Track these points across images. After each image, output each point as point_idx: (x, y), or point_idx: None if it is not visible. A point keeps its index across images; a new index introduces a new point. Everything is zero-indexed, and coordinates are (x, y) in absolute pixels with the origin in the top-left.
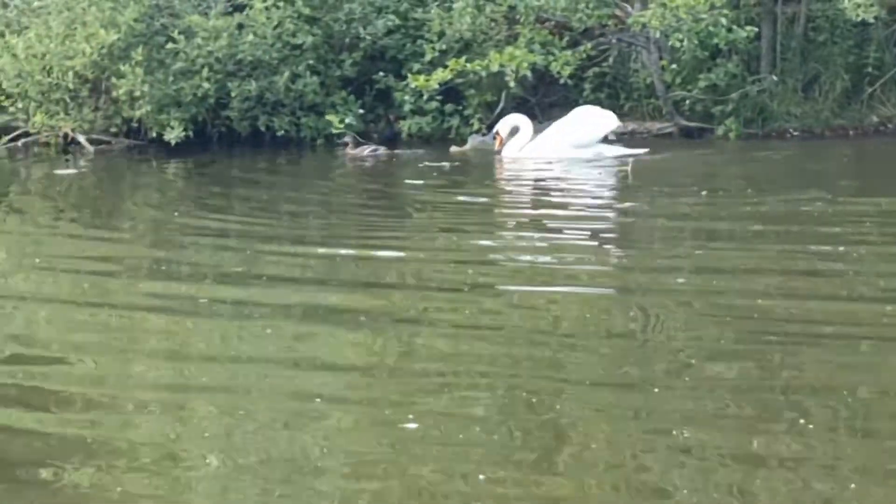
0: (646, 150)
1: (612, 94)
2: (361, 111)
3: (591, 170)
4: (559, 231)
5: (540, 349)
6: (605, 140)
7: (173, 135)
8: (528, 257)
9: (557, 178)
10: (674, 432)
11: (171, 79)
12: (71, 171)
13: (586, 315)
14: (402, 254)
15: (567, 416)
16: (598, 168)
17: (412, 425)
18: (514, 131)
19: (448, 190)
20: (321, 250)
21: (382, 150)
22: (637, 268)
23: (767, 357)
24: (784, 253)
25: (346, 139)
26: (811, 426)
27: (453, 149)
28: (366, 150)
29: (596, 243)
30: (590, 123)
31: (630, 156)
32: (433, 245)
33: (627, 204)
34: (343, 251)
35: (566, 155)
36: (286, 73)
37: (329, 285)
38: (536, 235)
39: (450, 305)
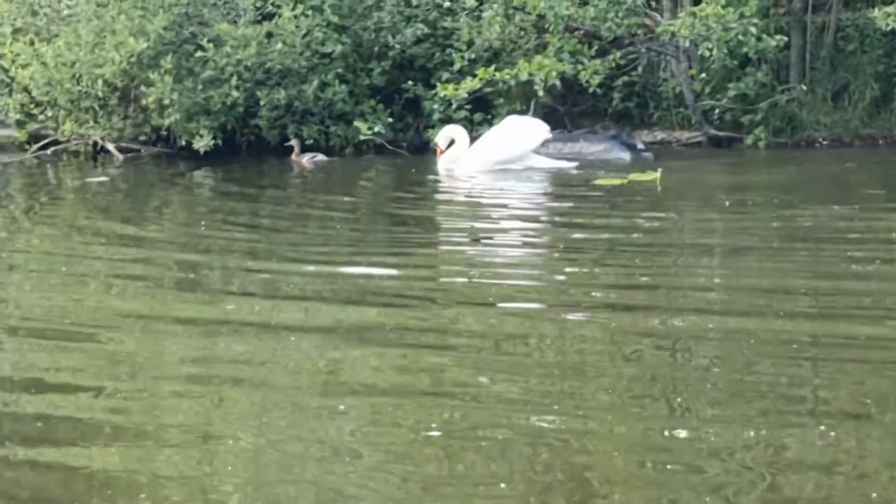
0: (575, 163)
1: (640, 103)
2: (390, 120)
3: (525, 181)
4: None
5: (572, 374)
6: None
7: (202, 143)
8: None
9: (501, 190)
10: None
11: (200, 87)
12: (100, 179)
13: (609, 341)
14: (427, 271)
15: (592, 453)
16: (529, 179)
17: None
18: (452, 143)
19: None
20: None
21: (321, 157)
22: (663, 286)
23: (796, 381)
24: (811, 264)
25: (292, 143)
26: (842, 448)
27: None
28: (305, 158)
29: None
30: (519, 135)
31: (562, 168)
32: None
33: (656, 213)
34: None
35: (493, 167)
36: (315, 82)
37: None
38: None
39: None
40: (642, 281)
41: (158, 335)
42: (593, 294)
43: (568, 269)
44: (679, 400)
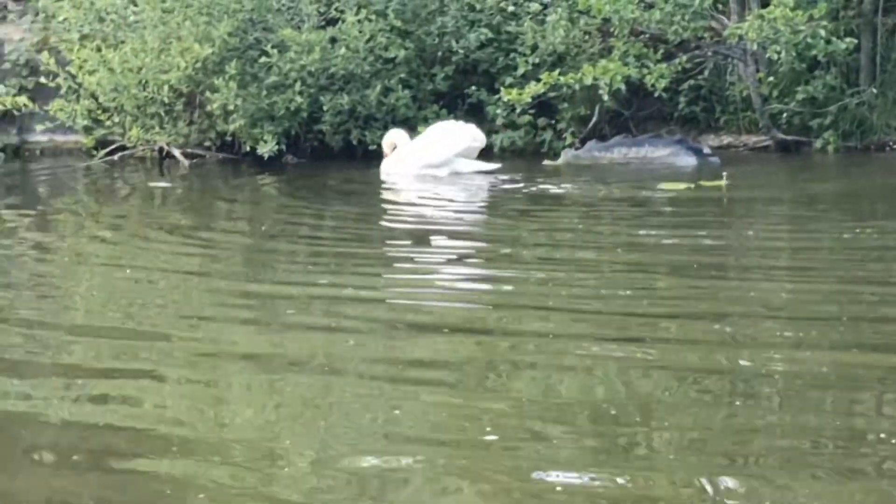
0: (497, 165)
1: (707, 107)
2: None
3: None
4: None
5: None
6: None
7: (266, 148)
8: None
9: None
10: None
11: (264, 93)
12: (166, 184)
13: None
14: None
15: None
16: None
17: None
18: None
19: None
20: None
21: None
22: (725, 313)
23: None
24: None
25: None
26: None
27: (546, 163)
28: None
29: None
30: (445, 139)
31: (484, 171)
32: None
33: (720, 224)
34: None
35: (422, 171)
36: (378, 87)
37: None
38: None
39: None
40: (700, 310)
41: (221, 338)
42: (652, 322)
43: (624, 292)
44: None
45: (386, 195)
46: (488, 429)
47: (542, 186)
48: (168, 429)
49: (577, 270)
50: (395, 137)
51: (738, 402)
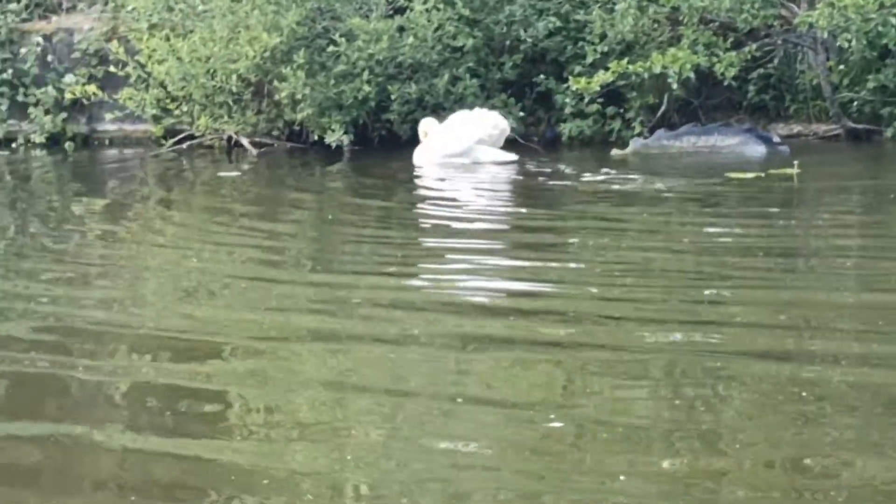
0: (515, 157)
1: (776, 95)
2: (522, 114)
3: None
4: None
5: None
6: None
7: (334, 137)
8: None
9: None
10: None
11: (332, 82)
12: (234, 173)
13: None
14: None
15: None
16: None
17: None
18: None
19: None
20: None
21: None
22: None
23: None
24: None
25: None
26: None
27: (615, 152)
28: None
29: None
30: (465, 127)
31: (501, 161)
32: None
33: (788, 214)
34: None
35: (444, 160)
36: (446, 76)
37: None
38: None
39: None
40: (781, 320)
41: (289, 326)
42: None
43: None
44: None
45: (443, 185)
46: (555, 421)
47: (608, 175)
48: (238, 415)
49: (642, 260)
50: (426, 125)
51: (805, 397)
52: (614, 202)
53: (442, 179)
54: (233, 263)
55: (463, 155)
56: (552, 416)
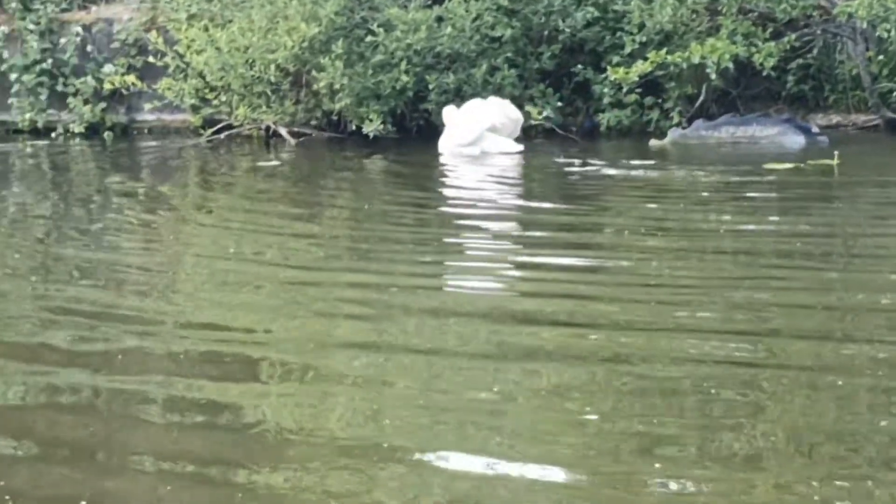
0: (521, 147)
1: (815, 85)
2: (560, 104)
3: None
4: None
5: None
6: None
7: (372, 127)
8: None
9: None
10: None
11: (370, 72)
12: (272, 163)
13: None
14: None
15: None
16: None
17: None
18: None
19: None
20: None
21: None
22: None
23: None
24: None
25: None
26: None
27: (653, 142)
28: None
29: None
30: (474, 116)
31: (507, 152)
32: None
33: (827, 207)
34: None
35: (455, 150)
36: (484, 66)
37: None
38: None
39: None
40: (806, 299)
41: (326, 315)
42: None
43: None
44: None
45: (471, 177)
46: (590, 416)
47: (645, 167)
48: (274, 401)
49: (677, 258)
50: (447, 113)
51: (843, 397)
52: (650, 196)
53: (467, 170)
54: (269, 254)
55: (473, 144)
56: (588, 409)
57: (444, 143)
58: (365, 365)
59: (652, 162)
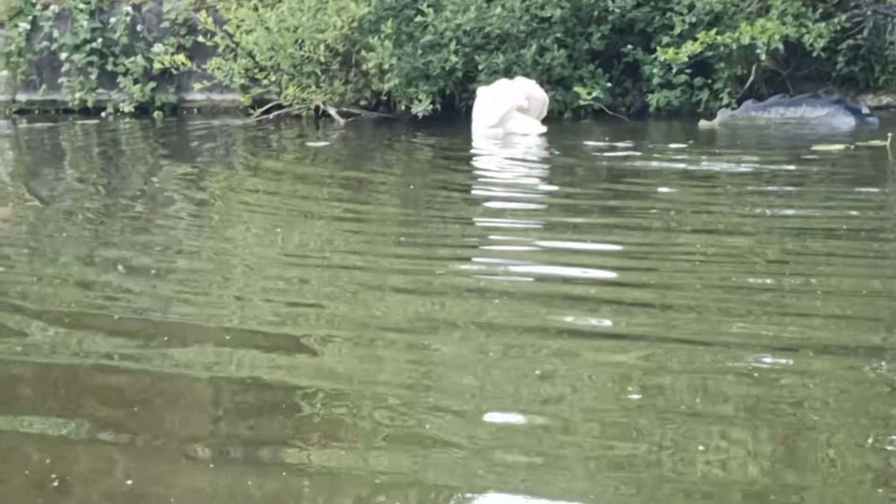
0: (544, 128)
1: (866, 66)
2: (609, 85)
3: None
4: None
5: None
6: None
7: (421, 108)
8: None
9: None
10: None
11: (419, 52)
12: (322, 143)
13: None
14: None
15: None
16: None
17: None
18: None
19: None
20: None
21: None
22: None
23: None
24: None
25: None
26: None
27: (702, 123)
28: None
29: None
30: (496, 97)
31: (527, 133)
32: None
33: (880, 184)
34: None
35: (482, 131)
36: (534, 47)
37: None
38: None
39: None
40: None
41: (376, 295)
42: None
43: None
44: None
45: (510, 159)
46: (633, 395)
47: (691, 148)
48: (325, 382)
49: (723, 242)
50: (479, 93)
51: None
52: (695, 178)
53: (498, 151)
54: (317, 233)
55: (497, 126)
56: (631, 389)
57: (475, 125)
58: (413, 345)
59: (698, 144)
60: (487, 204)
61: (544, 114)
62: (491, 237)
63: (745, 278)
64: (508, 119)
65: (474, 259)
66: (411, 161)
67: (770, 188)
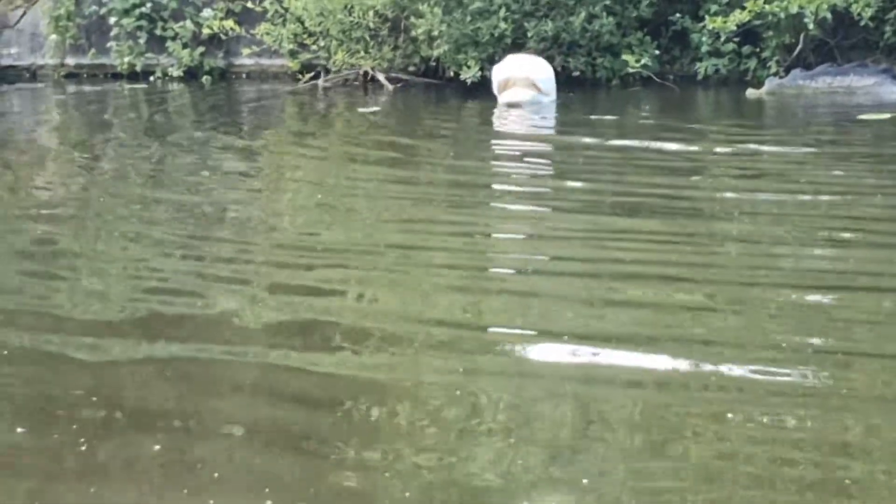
0: (524, 99)
1: None
2: (657, 52)
3: None
4: None
5: None
6: None
7: (469, 74)
8: None
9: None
10: None
11: (468, 18)
12: (371, 108)
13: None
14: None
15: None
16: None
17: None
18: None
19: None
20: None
21: None
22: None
23: None
24: None
25: None
26: None
27: (750, 91)
28: None
29: None
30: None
31: (511, 103)
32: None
33: None
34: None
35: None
36: (583, 14)
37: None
38: None
39: None
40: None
41: (420, 254)
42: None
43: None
44: None
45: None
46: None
47: (740, 122)
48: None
49: (771, 223)
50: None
51: None
52: (741, 154)
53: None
54: (364, 204)
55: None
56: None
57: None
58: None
59: (745, 119)
60: (539, 179)
61: (541, 87)
62: (534, 202)
63: (793, 246)
64: (518, 94)
65: (519, 222)
66: (461, 128)
67: (819, 157)
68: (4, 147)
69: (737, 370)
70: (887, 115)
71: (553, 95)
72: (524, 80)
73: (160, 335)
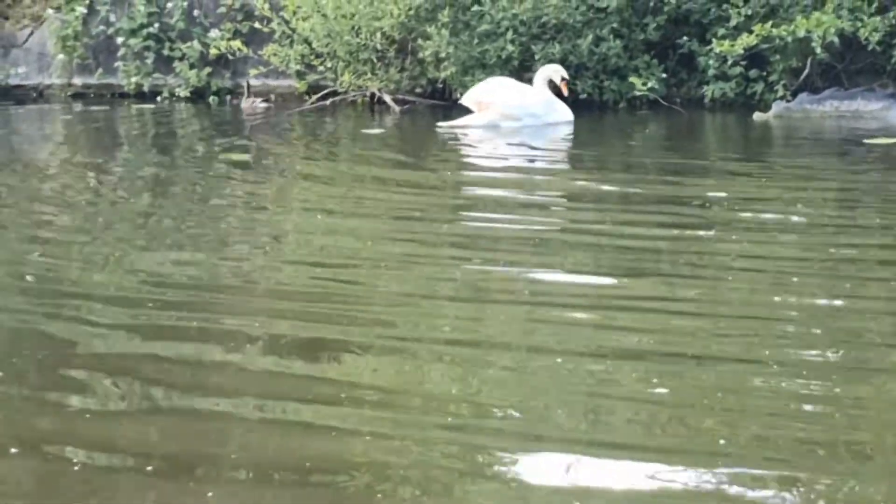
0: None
1: None
2: (664, 75)
3: None
4: None
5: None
6: None
7: None
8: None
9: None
10: None
11: (475, 41)
12: (377, 130)
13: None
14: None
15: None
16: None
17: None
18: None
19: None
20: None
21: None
22: None
23: None
24: None
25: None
26: None
27: (757, 115)
28: (250, 102)
29: None
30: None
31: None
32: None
33: None
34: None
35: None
36: (590, 37)
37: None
38: None
39: None
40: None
41: (423, 269)
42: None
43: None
44: None
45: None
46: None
47: (745, 148)
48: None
49: (778, 241)
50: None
51: None
52: (749, 175)
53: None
54: (371, 221)
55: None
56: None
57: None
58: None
59: (750, 142)
60: (547, 199)
61: (506, 105)
62: (543, 237)
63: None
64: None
65: (524, 258)
66: (467, 149)
67: (827, 185)
68: (4, 168)
69: None
70: (894, 140)
71: (548, 119)
72: (489, 104)
73: (166, 341)
